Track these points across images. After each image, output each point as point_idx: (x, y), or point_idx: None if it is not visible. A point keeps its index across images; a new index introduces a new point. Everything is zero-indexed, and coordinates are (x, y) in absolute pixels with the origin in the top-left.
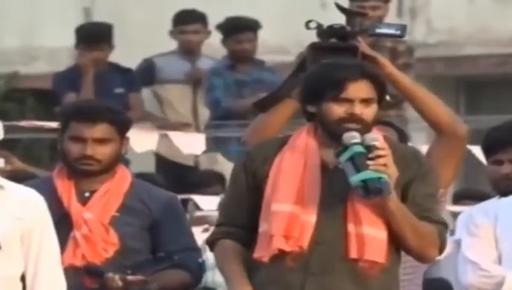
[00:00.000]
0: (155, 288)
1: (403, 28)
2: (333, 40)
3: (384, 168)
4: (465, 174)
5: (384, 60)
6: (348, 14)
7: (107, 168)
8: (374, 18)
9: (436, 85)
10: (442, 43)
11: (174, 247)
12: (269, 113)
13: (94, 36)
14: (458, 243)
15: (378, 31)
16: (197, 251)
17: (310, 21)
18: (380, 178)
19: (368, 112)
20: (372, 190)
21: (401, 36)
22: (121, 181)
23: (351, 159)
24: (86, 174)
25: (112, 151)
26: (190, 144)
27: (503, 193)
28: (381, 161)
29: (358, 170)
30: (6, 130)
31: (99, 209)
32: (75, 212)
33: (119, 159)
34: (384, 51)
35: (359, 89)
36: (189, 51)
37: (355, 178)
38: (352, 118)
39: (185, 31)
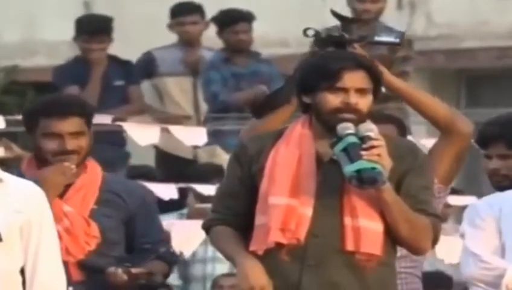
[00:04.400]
0: (160, 279)
1: (401, 35)
2: (331, 48)
3: (378, 158)
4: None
5: (380, 66)
6: (343, 21)
7: (82, 162)
8: (375, 11)
9: (436, 78)
10: (442, 36)
11: (148, 239)
12: (267, 119)
13: (94, 28)
14: (462, 236)
15: (378, 39)
16: (168, 242)
17: (307, 28)
18: (373, 168)
19: (363, 102)
20: (366, 180)
21: (399, 44)
22: (94, 174)
23: (345, 149)
24: None
25: (86, 144)
26: (192, 137)
27: (497, 188)
28: (375, 151)
29: (352, 160)
30: (4, 124)
31: (79, 203)
32: (54, 205)
33: (91, 151)
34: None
35: (355, 78)
36: (188, 43)
37: (349, 168)
38: (347, 107)
39: (183, 22)
